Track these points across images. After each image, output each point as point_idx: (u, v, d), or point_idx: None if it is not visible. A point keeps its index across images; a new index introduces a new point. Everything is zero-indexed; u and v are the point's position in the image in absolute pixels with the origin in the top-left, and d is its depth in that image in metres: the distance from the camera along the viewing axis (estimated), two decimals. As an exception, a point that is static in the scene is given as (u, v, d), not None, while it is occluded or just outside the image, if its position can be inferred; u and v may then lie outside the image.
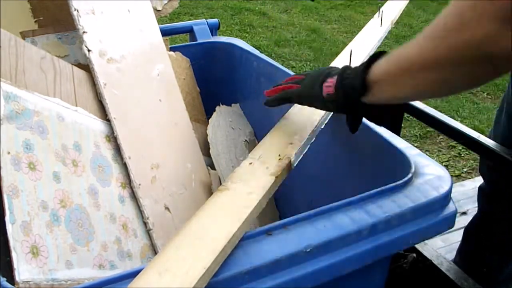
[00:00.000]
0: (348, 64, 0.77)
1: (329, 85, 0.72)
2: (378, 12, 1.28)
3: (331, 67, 0.78)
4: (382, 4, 1.39)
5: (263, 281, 0.56)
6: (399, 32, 3.84)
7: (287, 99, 0.81)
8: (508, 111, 1.13)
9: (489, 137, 1.08)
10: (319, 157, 1.01)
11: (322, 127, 0.86)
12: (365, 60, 0.68)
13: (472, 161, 2.33)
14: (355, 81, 0.67)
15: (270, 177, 0.71)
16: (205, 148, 1.07)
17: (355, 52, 1.04)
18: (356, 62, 0.97)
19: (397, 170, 0.76)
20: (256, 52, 1.21)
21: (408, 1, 1.46)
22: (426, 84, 0.59)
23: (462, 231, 1.39)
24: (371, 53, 0.98)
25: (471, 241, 1.35)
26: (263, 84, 1.14)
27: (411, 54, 0.59)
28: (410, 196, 0.68)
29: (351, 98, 0.69)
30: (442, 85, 0.58)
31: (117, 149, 0.86)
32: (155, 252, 0.84)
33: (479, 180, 1.80)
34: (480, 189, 1.31)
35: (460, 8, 0.51)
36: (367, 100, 0.68)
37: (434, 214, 0.69)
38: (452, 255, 1.42)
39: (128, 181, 0.86)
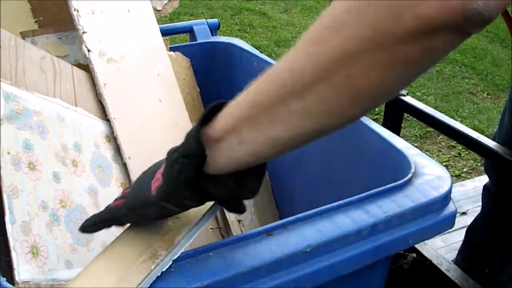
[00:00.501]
0: None
1: (157, 177, 0.51)
2: None
3: (153, 164, 0.56)
4: None
5: (263, 281, 0.56)
6: (399, 32, 3.84)
7: (109, 220, 0.58)
8: (510, 112, 1.13)
9: (493, 139, 1.08)
10: (319, 157, 1.01)
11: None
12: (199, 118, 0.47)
13: (472, 161, 2.33)
14: (188, 148, 0.47)
15: None
16: (205, 148, 1.07)
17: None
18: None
19: (397, 170, 0.76)
20: (256, 52, 1.21)
21: None
22: (312, 109, 0.40)
23: (462, 231, 1.39)
24: None
25: (473, 241, 1.35)
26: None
27: (280, 78, 0.41)
28: (410, 196, 0.68)
29: (185, 174, 0.47)
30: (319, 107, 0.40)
31: (117, 149, 0.86)
32: (155, 252, 0.84)
33: (479, 180, 1.80)
34: (485, 187, 1.31)
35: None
36: (211, 171, 0.47)
37: (434, 214, 0.69)
38: (452, 255, 1.42)
39: (128, 181, 0.86)
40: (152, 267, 0.52)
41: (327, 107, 0.40)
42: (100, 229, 0.58)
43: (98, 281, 0.51)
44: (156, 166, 0.54)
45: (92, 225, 0.58)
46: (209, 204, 0.59)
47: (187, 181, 0.47)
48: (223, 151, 0.46)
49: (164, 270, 0.53)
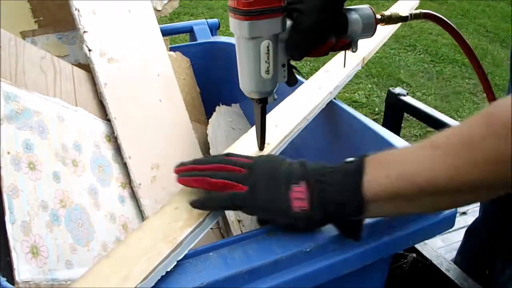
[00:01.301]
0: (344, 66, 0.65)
1: (300, 197, 0.54)
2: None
3: (281, 161, 0.60)
4: None
5: (263, 281, 0.56)
6: (399, 32, 3.84)
7: (231, 207, 0.59)
8: None
9: None
10: (319, 157, 1.01)
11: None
12: (346, 163, 0.55)
13: (472, 161, 2.33)
14: (344, 197, 0.53)
15: None
16: (205, 148, 1.07)
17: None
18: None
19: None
20: (256, 52, 1.20)
21: (385, 40, 1.15)
22: (449, 204, 0.51)
23: (462, 231, 1.39)
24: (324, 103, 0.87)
25: (472, 242, 1.35)
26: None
27: (431, 171, 0.48)
28: (410, 196, 0.68)
29: (337, 216, 0.56)
30: (467, 202, 0.52)
31: (117, 149, 0.86)
32: (155, 252, 0.84)
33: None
34: None
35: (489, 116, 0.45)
36: (355, 217, 0.56)
37: (434, 214, 0.69)
38: (452, 255, 1.42)
39: (128, 181, 0.86)
40: (156, 266, 0.52)
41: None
42: (215, 210, 0.60)
43: (102, 280, 0.51)
44: (289, 173, 0.56)
45: (205, 206, 0.59)
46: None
47: (332, 221, 0.57)
48: (370, 209, 0.53)
49: (168, 269, 0.53)
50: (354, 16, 0.66)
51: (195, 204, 0.59)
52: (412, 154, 0.50)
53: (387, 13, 0.72)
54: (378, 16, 0.70)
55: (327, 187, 0.54)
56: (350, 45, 0.67)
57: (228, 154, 0.63)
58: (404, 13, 0.73)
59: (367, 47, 1.09)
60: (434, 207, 0.53)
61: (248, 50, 0.61)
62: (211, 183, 0.58)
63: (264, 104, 0.67)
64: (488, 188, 0.47)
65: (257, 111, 0.68)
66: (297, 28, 0.61)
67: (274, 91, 0.67)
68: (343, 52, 1.03)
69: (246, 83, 0.64)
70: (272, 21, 0.58)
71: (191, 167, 0.61)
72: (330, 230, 0.62)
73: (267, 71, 0.62)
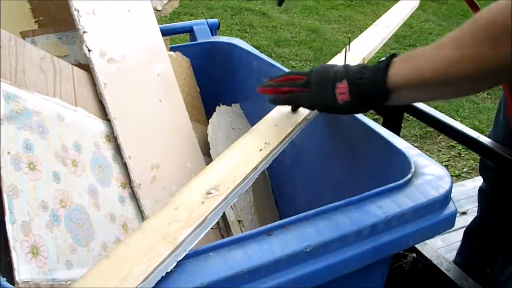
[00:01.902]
0: (345, 63, 0.76)
1: (342, 91, 0.71)
2: (345, 48, 1.03)
3: (331, 67, 0.76)
4: (353, 37, 1.15)
5: (263, 281, 0.56)
6: (399, 32, 3.84)
7: (296, 103, 0.81)
8: (505, 111, 1.13)
9: (489, 137, 1.08)
10: (319, 157, 1.01)
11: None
12: (379, 63, 0.68)
13: (472, 161, 2.33)
14: (375, 88, 0.68)
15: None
16: (205, 148, 1.07)
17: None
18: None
19: (397, 170, 0.76)
20: (256, 52, 1.21)
21: (385, 40, 1.18)
22: (454, 93, 0.64)
23: (462, 231, 1.39)
24: None
25: (472, 242, 1.35)
26: (263, 84, 1.14)
27: (436, 65, 0.61)
28: (410, 196, 0.68)
29: (370, 103, 0.71)
30: (472, 91, 0.65)
31: (117, 149, 0.86)
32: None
33: (479, 180, 1.80)
34: (480, 189, 1.31)
35: (490, 23, 0.56)
36: (383, 102, 0.71)
37: (434, 214, 0.69)
38: (452, 255, 1.42)
39: (128, 181, 0.86)
40: (156, 267, 0.52)
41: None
42: (288, 105, 0.83)
43: (102, 281, 0.51)
44: (334, 74, 0.73)
45: (281, 102, 0.81)
46: (213, 205, 0.61)
47: (368, 108, 0.72)
48: (393, 96, 0.68)
49: (168, 270, 0.53)
50: None
51: (271, 101, 0.81)
52: (426, 51, 0.63)
53: None
54: None
55: (362, 81, 0.70)
56: None
57: (289, 73, 0.82)
58: None
59: (367, 47, 1.09)
60: (439, 95, 0.67)
61: None
62: (282, 91, 0.79)
63: None
64: (479, 75, 0.59)
65: None
66: None
67: None
68: (343, 52, 1.04)
69: None
70: None
71: (268, 83, 0.82)
72: (329, 229, 0.62)
73: None
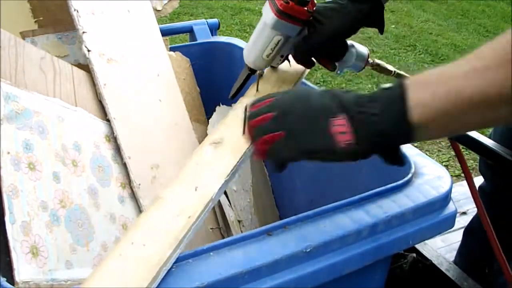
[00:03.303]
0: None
1: (343, 130, 0.52)
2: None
3: (311, 95, 0.56)
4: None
5: (263, 281, 0.56)
6: (399, 32, 3.84)
7: (277, 163, 0.58)
8: None
9: (489, 138, 1.08)
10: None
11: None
12: (386, 90, 0.52)
13: (472, 161, 2.33)
14: (393, 128, 0.51)
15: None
16: (205, 148, 1.07)
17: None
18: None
19: (397, 170, 0.76)
20: (256, 52, 1.21)
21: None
22: (495, 119, 0.49)
23: (462, 231, 1.39)
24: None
25: (471, 241, 1.35)
26: (263, 84, 1.14)
27: (478, 85, 0.47)
28: (410, 196, 0.68)
29: (381, 147, 0.54)
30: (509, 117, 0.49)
31: (117, 149, 0.86)
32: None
33: (479, 180, 1.80)
34: (480, 188, 1.31)
35: None
36: (403, 144, 0.55)
37: (434, 214, 0.69)
38: (452, 255, 1.42)
39: (128, 181, 0.86)
40: (160, 267, 0.52)
41: None
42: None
43: (106, 282, 0.51)
44: (327, 106, 0.53)
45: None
46: (207, 197, 0.60)
47: (378, 152, 0.54)
48: (419, 134, 0.51)
49: (169, 267, 0.54)
50: (352, 49, 0.78)
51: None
52: (458, 68, 0.49)
53: (377, 61, 0.83)
54: (370, 60, 0.80)
55: (371, 117, 0.51)
56: (335, 67, 0.78)
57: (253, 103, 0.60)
58: (390, 67, 0.84)
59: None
60: (481, 123, 0.50)
61: (264, 34, 0.74)
62: (258, 143, 0.57)
63: (251, 73, 0.82)
64: None
65: (244, 74, 0.83)
66: (307, 41, 0.72)
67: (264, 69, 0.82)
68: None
69: (249, 55, 0.79)
70: (293, 27, 0.71)
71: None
72: (329, 229, 0.62)
73: (268, 56, 0.76)
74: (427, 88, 0.50)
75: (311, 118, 0.54)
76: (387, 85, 0.53)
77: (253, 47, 0.77)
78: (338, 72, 0.80)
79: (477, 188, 1.33)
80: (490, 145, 1.01)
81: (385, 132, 0.51)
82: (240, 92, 0.85)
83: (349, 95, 0.54)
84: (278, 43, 0.73)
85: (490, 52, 0.48)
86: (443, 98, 0.48)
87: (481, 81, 0.47)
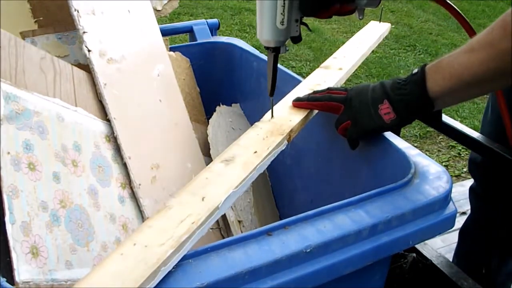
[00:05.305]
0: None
1: (387, 111, 0.75)
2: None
3: (366, 88, 0.79)
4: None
5: (263, 281, 0.56)
6: (399, 32, 3.84)
7: (350, 140, 0.81)
8: (494, 108, 1.14)
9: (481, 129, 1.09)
10: (319, 157, 1.01)
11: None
12: (413, 75, 0.73)
13: (472, 161, 2.33)
14: (420, 101, 0.73)
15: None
16: (205, 148, 1.07)
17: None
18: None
19: (397, 170, 0.76)
20: (256, 52, 1.21)
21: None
22: (490, 89, 0.76)
23: (461, 231, 1.39)
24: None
25: (467, 242, 1.35)
26: (263, 84, 1.14)
27: (471, 68, 0.66)
28: (410, 197, 0.68)
29: (415, 115, 0.75)
30: (505, 85, 0.68)
31: (117, 149, 0.86)
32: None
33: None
34: (471, 189, 1.31)
35: (504, 22, 0.63)
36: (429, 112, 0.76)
37: (434, 215, 0.69)
38: (452, 255, 1.42)
39: (128, 181, 0.86)
40: (158, 267, 0.52)
41: None
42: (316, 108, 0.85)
43: (105, 281, 0.51)
44: (372, 97, 0.77)
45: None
46: (213, 205, 0.60)
47: (413, 119, 0.76)
48: (436, 104, 0.73)
49: (170, 269, 0.53)
50: None
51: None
52: (457, 58, 0.69)
53: None
54: None
55: (403, 98, 0.74)
56: (354, 11, 0.78)
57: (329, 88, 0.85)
58: None
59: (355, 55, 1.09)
60: (478, 93, 0.72)
61: (267, 2, 0.72)
62: (319, 104, 0.84)
63: (277, 53, 0.79)
64: (505, 76, 0.65)
65: (270, 60, 0.80)
66: None
67: (285, 42, 0.78)
68: (341, 50, 1.04)
69: (263, 32, 0.76)
70: None
71: (304, 97, 0.85)
72: (329, 230, 0.62)
73: (282, 22, 0.73)
74: (439, 72, 0.71)
75: (367, 107, 0.77)
76: (415, 70, 0.75)
77: (263, 22, 0.75)
78: (360, 17, 0.78)
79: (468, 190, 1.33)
80: (491, 145, 1.01)
81: (414, 105, 0.73)
82: (275, 86, 0.82)
83: (391, 82, 0.76)
84: (284, 3, 0.72)
85: (475, 44, 0.66)
86: (448, 80, 0.69)
87: (471, 67, 0.66)
